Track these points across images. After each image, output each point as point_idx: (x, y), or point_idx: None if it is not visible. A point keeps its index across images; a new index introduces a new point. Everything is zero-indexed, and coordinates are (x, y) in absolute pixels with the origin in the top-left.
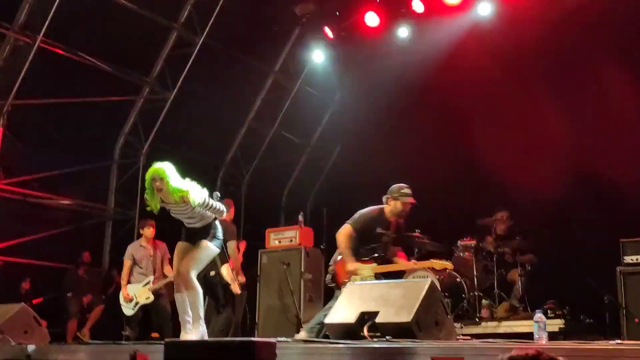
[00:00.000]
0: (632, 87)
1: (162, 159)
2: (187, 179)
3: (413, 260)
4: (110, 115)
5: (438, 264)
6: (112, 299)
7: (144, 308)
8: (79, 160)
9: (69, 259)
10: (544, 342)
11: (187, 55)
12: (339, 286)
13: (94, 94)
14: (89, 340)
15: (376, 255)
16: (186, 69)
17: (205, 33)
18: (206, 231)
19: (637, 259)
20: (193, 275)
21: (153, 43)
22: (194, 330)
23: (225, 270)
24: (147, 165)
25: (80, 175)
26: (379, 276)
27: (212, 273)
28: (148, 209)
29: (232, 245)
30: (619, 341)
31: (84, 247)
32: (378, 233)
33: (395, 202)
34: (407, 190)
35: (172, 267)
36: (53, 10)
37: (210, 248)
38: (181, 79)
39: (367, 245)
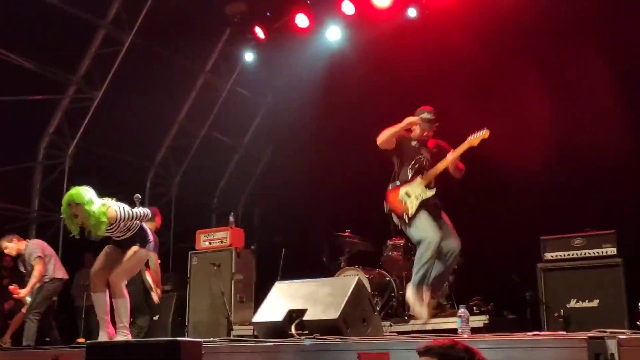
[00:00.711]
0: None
1: (89, 160)
2: (106, 198)
3: (451, 151)
4: (34, 115)
5: (474, 140)
6: None
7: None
8: (1, 161)
9: None
10: (466, 336)
11: (116, 53)
12: (400, 217)
13: (18, 93)
14: (10, 347)
15: (417, 167)
16: (114, 67)
17: (134, 31)
18: (135, 238)
19: (556, 256)
20: (123, 284)
21: (80, 41)
22: (122, 334)
23: (147, 277)
24: (73, 166)
25: (2, 176)
26: (430, 185)
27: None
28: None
29: (153, 257)
30: (535, 332)
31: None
32: (413, 146)
33: (414, 127)
34: (425, 115)
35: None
36: None
37: (140, 253)
38: (109, 78)
39: (408, 163)
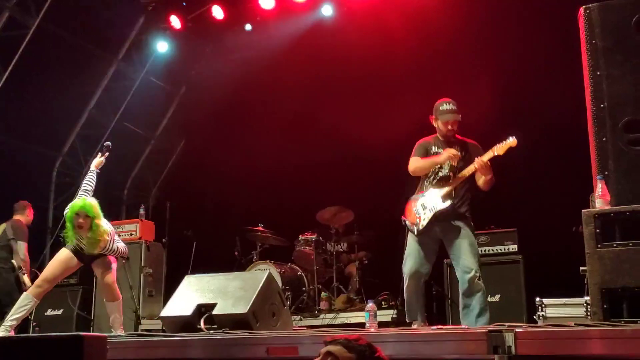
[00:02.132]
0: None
1: None
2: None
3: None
4: None
5: (499, 148)
6: None
7: None
8: None
9: None
10: (373, 329)
11: (21, 37)
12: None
13: None
14: None
15: (440, 175)
16: (19, 52)
17: (41, 15)
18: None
19: None
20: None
21: None
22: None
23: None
24: None
25: None
26: (451, 195)
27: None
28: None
29: (22, 246)
30: (440, 326)
31: None
32: (434, 153)
33: (437, 122)
34: (445, 106)
35: None
36: None
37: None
38: (12, 64)
39: (429, 173)
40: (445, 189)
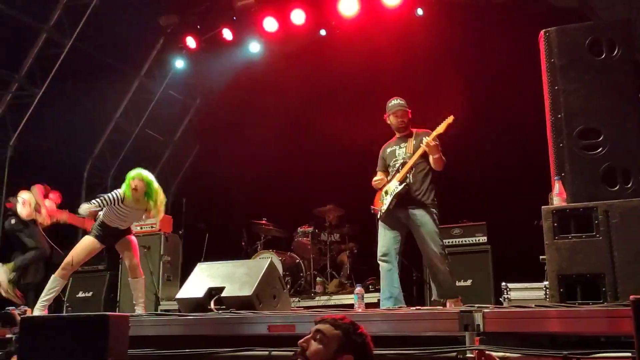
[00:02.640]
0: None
1: (30, 152)
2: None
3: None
4: None
5: (440, 128)
6: None
7: None
8: None
9: None
10: (361, 310)
11: (57, 55)
12: (378, 215)
13: None
14: None
15: (397, 166)
16: (55, 68)
17: (74, 36)
18: (129, 231)
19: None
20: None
21: (23, 42)
22: (143, 306)
23: None
24: (16, 157)
25: None
26: (406, 178)
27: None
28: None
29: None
30: (417, 307)
31: None
32: (391, 152)
33: (389, 118)
34: (393, 102)
35: None
36: None
37: (134, 237)
38: (50, 78)
39: (390, 168)
40: (400, 174)
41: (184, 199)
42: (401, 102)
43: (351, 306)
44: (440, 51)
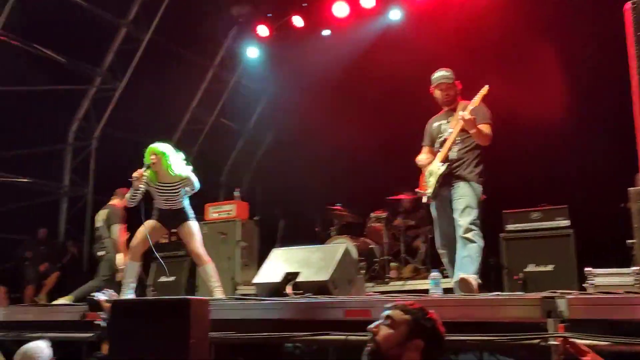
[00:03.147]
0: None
1: (112, 143)
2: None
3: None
4: (65, 103)
5: (476, 100)
6: (67, 267)
7: None
8: (37, 143)
9: (27, 231)
10: (437, 295)
11: (135, 49)
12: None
13: (51, 83)
14: (45, 303)
15: (439, 142)
16: (134, 62)
17: (151, 30)
18: (185, 212)
19: (516, 227)
20: (204, 250)
21: (104, 38)
22: (220, 290)
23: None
24: (100, 147)
25: (38, 156)
26: (448, 157)
27: (101, 253)
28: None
29: (115, 228)
30: (497, 293)
31: (41, 221)
32: (436, 127)
33: (435, 92)
34: (437, 74)
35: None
36: (10, 5)
37: (197, 224)
38: (129, 71)
39: (435, 143)
40: (442, 153)
41: (259, 186)
42: (446, 73)
43: (426, 291)
44: (515, 31)
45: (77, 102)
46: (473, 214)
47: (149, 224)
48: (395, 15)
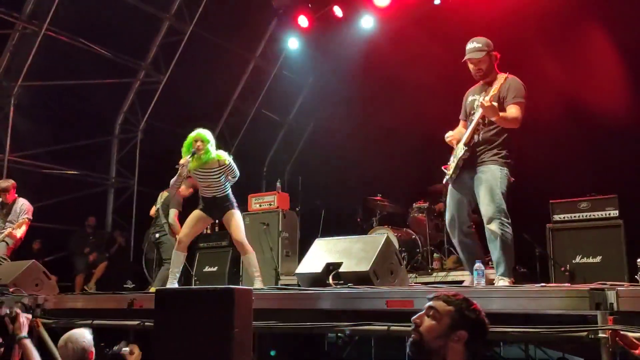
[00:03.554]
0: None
1: (157, 135)
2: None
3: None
4: (111, 96)
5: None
6: (114, 256)
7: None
8: (84, 135)
9: (76, 222)
10: (481, 286)
11: (178, 42)
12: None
13: (97, 77)
14: (94, 291)
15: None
16: (177, 54)
17: (193, 23)
18: (229, 200)
19: (563, 217)
20: (246, 240)
21: (148, 32)
22: (260, 279)
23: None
24: (145, 139)
25: (85, 148)
26: (470, 140)
27: (157, 235)
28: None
29: (172, 213)
30: (543, 284)
31: (89, 211)
32: (471, 101)
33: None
34: (468, 46)
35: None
36: (57, 1)
37: (239, 213)
38: (173, 64)
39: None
40: (466, 136)
41: (300, 177)
42: (477, 44)
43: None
44: (583, 14)
45: (123, 95)
46: (497, 200)
47: (195, 214)
48: (438, 1)
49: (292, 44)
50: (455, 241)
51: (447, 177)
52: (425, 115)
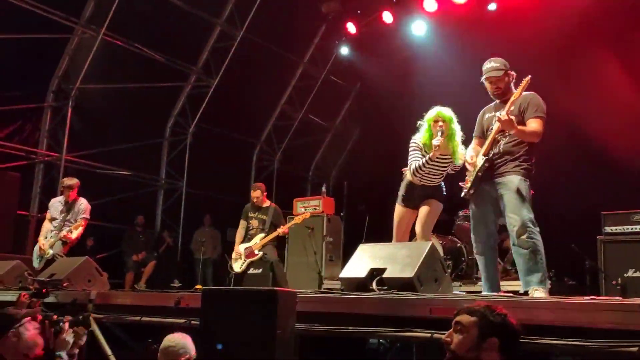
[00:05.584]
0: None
1: (206, 138)
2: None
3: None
4: (163, 99)
5: (517, 92)
6: (163, 255)
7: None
8: (137, 137)
9: (127, 221)
10: (527, 297)
11: (229, 47)
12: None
13: (149, 81)
14: (143, 289)
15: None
16: (227, 59)
17: (244, 28)
18: (441, 191)
19: (615, 229)
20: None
21: (199, 36)
22: None
23: None
24: (194, 142)
25: (137, 150)
26: (488, 151)
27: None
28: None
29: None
30: (592, 297)
31: (139, 211)
32: (488, 118)
33: (485, 84)
34: (486, 66)
35: None
36: (114, 7)
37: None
38: (223, 68)
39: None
40: (484, 147)
41: (345, 182)
42: (495, 64)
43: (516, 292)
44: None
45: (174, 99)
46: (523, 210)
47: (398, 213)
48: (491, 6)
49: (343, 50)
50: (477, 257)
51: (464, 191)
52: (467, 124)
